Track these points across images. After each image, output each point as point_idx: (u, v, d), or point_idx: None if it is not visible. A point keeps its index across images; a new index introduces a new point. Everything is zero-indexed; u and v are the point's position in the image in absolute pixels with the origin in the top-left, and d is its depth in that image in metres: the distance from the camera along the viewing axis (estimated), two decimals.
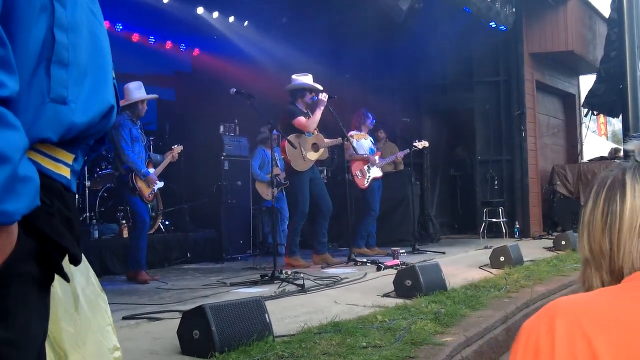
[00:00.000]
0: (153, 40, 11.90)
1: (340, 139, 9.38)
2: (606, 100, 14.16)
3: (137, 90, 7.82)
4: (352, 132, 10.39)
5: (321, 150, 9.15)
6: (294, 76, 9.20)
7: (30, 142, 1.32)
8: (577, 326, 0.88)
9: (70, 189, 1.51)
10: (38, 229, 1.37)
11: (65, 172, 1.48)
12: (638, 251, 0.96)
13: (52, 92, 1.40)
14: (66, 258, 1.49)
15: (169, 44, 12.27)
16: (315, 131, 9.20)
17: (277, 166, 9.85)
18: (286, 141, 8.75)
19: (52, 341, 1.84)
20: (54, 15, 1.42)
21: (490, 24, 12.50)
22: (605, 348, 0.85)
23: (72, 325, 1.98)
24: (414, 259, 9.08)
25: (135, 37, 11.38)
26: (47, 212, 1.39)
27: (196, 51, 12.92)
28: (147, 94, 8.02)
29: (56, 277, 1.50)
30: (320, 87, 9.12)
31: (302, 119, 8.85)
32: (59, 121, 1.42)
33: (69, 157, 1.49)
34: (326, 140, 9.29)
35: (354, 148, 9.95)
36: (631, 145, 1.05)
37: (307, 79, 9.12)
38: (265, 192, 10.46)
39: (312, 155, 9.03)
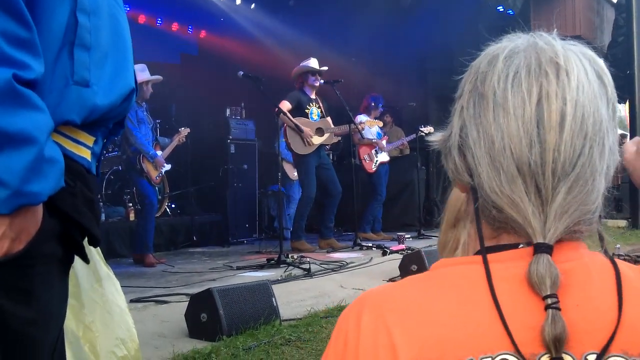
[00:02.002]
0: (160, 21, 11.87)
1: (347, 126, 9.36)
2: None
3: (140, 72, 7.77)
4: (361, 118, 10.35)
5: (326, 135, 9.13)
6: (301, 63, 9.21)
7: (55, 124, 1.34)
8: (380, 318, 0.89)
9: (91, 171, 1.53)
10: (61, 209, 1.39)
11: (86, 155, 1.50)
12: None
13: (75, 74, 1.42)
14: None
15: (175, 26, 12.23)
16: (327, 117, 9.21)
17: None
18: (287, 126, 8.76)
19: (75, 313, 1.86)
20: None
21: (498, 8, 12.43)
22: (401, 339, 0.87)
23: (98, 297, 2.02)
24: (419, 244, 9.09)
25: (142, 19, 11.35)
26: (70, 193, 1.41)
27: (203, 33, 12.88)
28: (152, 75, 7.99)
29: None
30: (324, 68, 9.10)
31: (285, 103, 8.75)
32: (82, 103, 1.44)
33: (89, 140, 1.51)
34: (334, 127, 9.27)
35: (360, 133, 9.93)
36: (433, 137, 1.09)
37: (309, 62, 9.12)
38: (292, 172, 10.40)
39: (316, 140, 9.01)
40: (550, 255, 0.88)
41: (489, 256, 0.92)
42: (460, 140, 0.98)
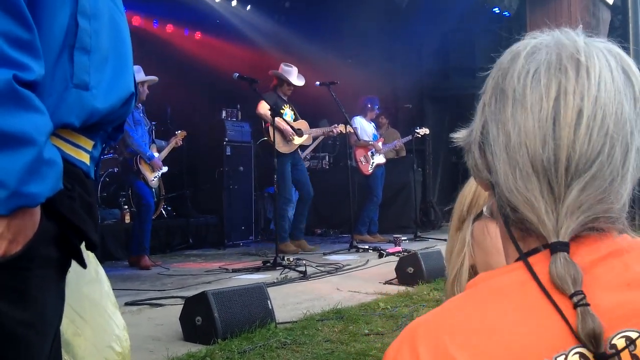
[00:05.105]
0: (155, 23, 11.84)
1: (323, 129, 9.48)
2: None
3: (136, 73, 7.74)
4: (357, 119, 10.40)
5: (305, 136, 9.32)
6: (282, 64, 9.30)
7: (54, 126, 1.33)
8: (440, 346, 0.86)
9: (89, 175, 1.53)
10: (60, 212, 1.38)
11: (85, 159, 1.50)
12: None
13: (75, 77, 1.42)
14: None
15: (170, 28, 12.20)
16: (301, 120, 9.42)
17: None
18: (269, 124, 8.80)
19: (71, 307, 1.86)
20: (78, 2, 1.44)
21: (494, 9, 12.43)
22: None
23: (95, 292, 2.01)
24: (415, 246, 9.07)
25: (137, 21, 11.31)
26: (68, 196, 1.40)
27: (198, 34, 12.85)
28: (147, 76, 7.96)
29: None
30: (301, 83, 9.20)
31: (264, 104, 8.66)
32: (82, 106, 1.43)
33: (88, 144, 1.51)
34: (311, 129, 9.50)
35: (356, 135, 9.94)
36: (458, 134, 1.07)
37: (292, 71, 9.24)
38: None
39: (297, 140, 9.17)
40: (567, 252, 0.87)
41: (532, 258, 0.90)
42: (482, 137, 0.97)
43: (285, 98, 9.29)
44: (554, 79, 0.90)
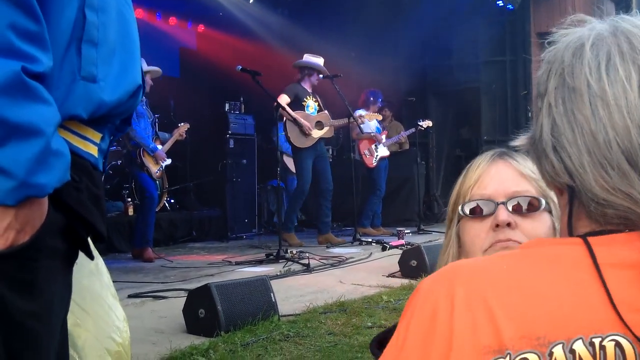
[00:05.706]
0: (158, 16, 11.82)
1: (347, 119, 9.39)
2: None
3: None
4: (360, 112, 10.34)
5: (326, 128, 9.17)
6: (306, 55, 9.22)
7: (62, 118, 1.34)
8: (477, 292, 0.86)
9: (97, 167, 1.53)
10: (67, 204, 1.39)
11: (93, 151, 1.50)
12: None
13: (82, 70, 1.43)
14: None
15: (173, 20, 12.18)
16: (325, 111, 9.24)
17: None
18: (286, 119, 8.77)
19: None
20: None
21: (498, 3, 12.41)
22: (503, 315, 0.84)
23: (95, 284, 2.01)
24: (419, 239, 9.06)
25: (140, 13, 11.28)
26: (75, 188, 1.41)
27: (201, 27, 12.83)
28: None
29: None
30: (327, 72, 9.10)
31: (284, 97, 8.71)
32: (89, 99, 1.44)
33: (96, 136, 1.51)
34: (333, 120, 9.31)
35: (359, 127, 9.92)
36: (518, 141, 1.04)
37: (317, 60, 9.14)
38: (293, 166, 10.36)
39: (316, 133, 9.06)
40: None
41: (592, 239, 0.88)
42: (554, 140, 0.92)
43: (309, 90, 9.21)
44: (632, 67, 0.87)
